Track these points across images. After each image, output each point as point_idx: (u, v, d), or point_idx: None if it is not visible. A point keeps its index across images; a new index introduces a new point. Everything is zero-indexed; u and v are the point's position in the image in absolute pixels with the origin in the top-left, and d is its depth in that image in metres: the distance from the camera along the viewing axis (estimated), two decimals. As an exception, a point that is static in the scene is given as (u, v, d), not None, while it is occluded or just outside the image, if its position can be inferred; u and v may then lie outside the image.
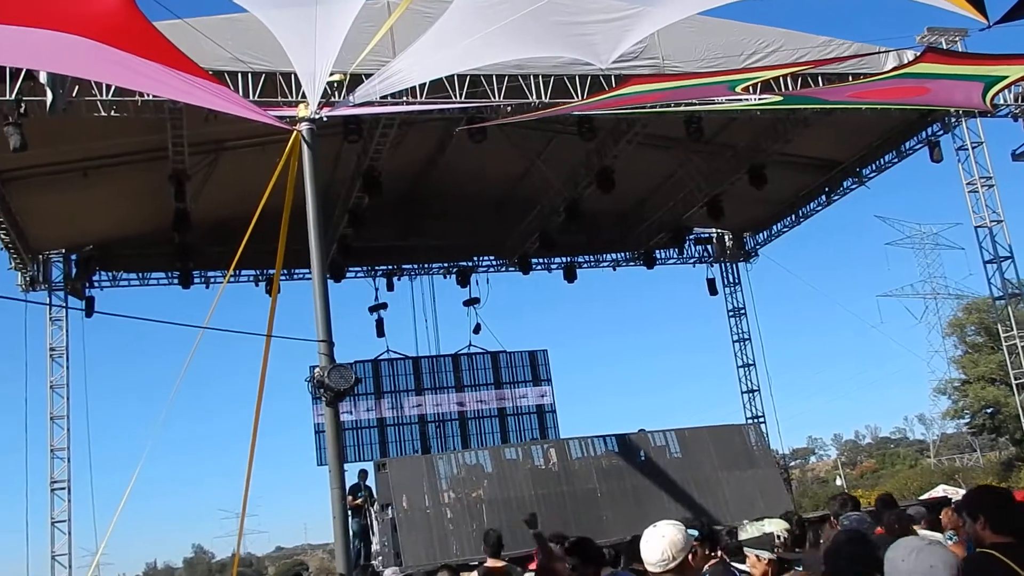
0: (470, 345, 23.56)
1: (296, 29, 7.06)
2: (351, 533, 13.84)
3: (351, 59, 8.04)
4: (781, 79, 14.39)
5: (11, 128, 12.67)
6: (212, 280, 21.49)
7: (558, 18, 7.44)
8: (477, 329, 23.47)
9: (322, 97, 7.93)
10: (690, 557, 4.05)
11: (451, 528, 16.06)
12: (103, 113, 13.40)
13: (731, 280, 25.63)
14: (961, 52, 14.23)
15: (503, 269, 23.95)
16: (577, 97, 14.48)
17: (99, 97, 13.07)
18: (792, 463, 49.22)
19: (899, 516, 6.96)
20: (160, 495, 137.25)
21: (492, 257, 23.82)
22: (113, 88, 12.83)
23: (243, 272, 21.26)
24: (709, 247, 25.53)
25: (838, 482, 54.20)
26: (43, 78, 12.21)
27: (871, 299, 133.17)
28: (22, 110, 12.62)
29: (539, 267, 23.63)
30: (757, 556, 4.33)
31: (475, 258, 23.68)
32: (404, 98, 13.03)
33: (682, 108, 13.80)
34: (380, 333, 23.08)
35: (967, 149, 18.90)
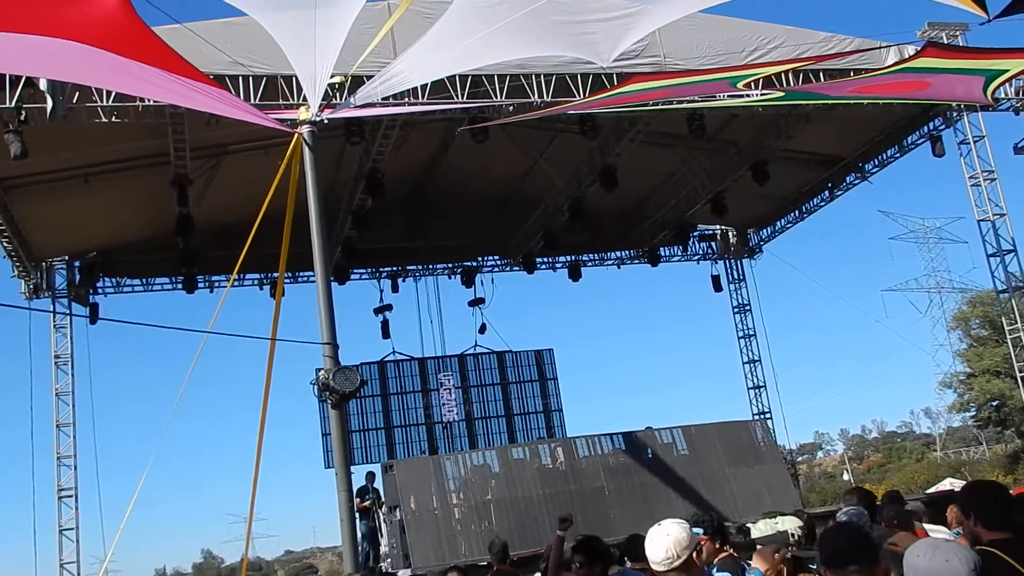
0: (476, 345, 23.61)
1: (295, 32, 7.06)
2: (359, 536, 13.83)
3: (352, 61, 8.04)
4: (783, 75, 14.35)
5: (12, 135, 12.64)
6: (216, 284, 21.48)
7: (559, 17, 7.44)
8: (483, 329, 23.52)
9: (323, 99, 7.93)
10: (698, 552, 4.05)
11: (459, 529, 16.07)
12: (104, 119, 13.36)
13: (735, 276, 25.59)
14: (962, 46, 14.20)
15: (507, 269, 23.94)
16: (579, 96, 14.45)
17: (100, 103, 13.03)
18: (799, 458, 49.10)
19: (899, 511, 6.92)
20: (168, 500, 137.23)
21: (496, 257, 23.78)
22: (114, 94, 12.79)
23: (247, 276, 21.24)
24: (713, 244, 25.51)
25: (845, 477, 54.13)
26: (43, 85, 12.21)
27: (875, 294, 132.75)
28: (22, 117, 12.58)
29: (543, 266, 23.63)
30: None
31: (479, 258, 23.64)
32: (406, 99, 13.00)
33: (684, 105, 13.78)
34: (386, 335, 23.15)
35: (969, 143, 18.89)
